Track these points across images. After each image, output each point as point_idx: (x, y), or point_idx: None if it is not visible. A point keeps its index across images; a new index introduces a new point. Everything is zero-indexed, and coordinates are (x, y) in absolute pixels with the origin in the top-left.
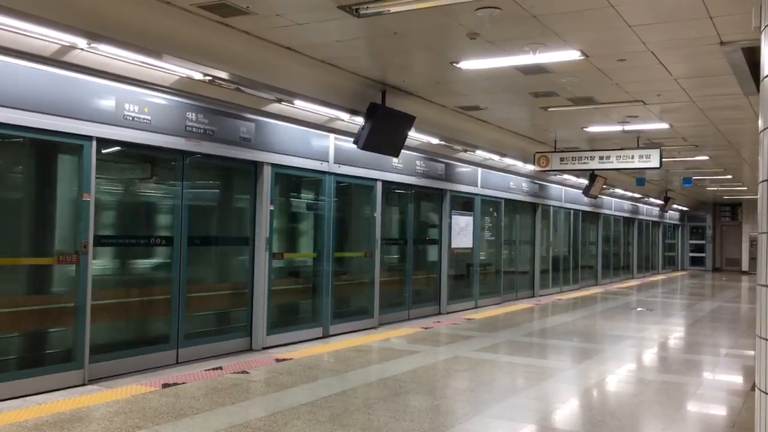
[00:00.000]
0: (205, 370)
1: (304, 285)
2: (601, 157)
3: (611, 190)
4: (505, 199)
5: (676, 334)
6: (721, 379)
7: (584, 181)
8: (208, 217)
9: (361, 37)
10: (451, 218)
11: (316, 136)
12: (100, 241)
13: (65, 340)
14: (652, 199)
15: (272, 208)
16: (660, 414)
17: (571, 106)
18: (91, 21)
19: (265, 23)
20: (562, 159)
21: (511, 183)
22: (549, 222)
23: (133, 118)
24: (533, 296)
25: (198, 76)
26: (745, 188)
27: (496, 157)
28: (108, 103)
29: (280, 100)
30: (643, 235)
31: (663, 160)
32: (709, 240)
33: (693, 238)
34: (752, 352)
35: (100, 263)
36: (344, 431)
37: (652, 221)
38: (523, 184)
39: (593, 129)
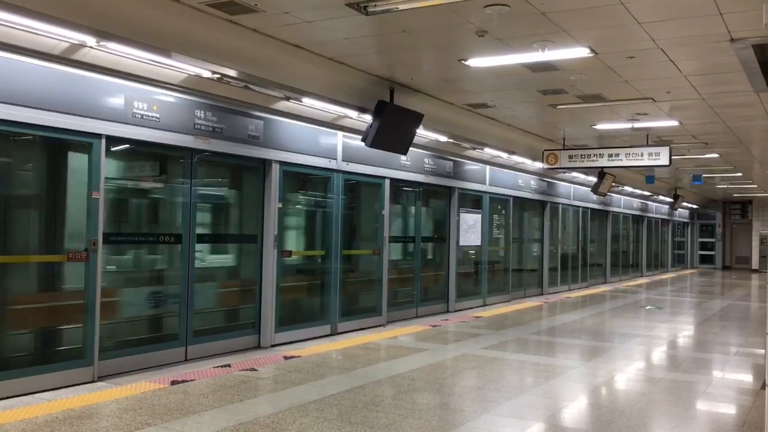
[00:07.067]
0: (214, 368)
1: (312, 282)
2: (610, 155)
3: (620, 188)
4: (514, 197)
5: (686, 332)
6: (730, 377)
7: (593, 179)
8: (216, 215)
9: (370, 34)
10: (459, 216)
11: (324, 134)
12: (109, 238)
13: (75, 338)
14: (661, 197)
15: (280, 205)
16: (669, 413)
17: (580, 104)
18: (101, 19)
19: (274, 21)
20: (570, 157)
21: (520, 181)
22: (558, 220)
23: (142, 116)
24: (542, 294)
25: (206, 74)
26: (756, 186)
27: (504, 155)
28: (117, 101)
29: (288, 98)
30: (653, 232)
31: (672, 157)
32: (718, 238)
33: (702, 236)
34: (762, 351)
35: (109, 260)
36: (352, 429)
37: (662, 219)
38: (532, 182)
39: (602, 126)
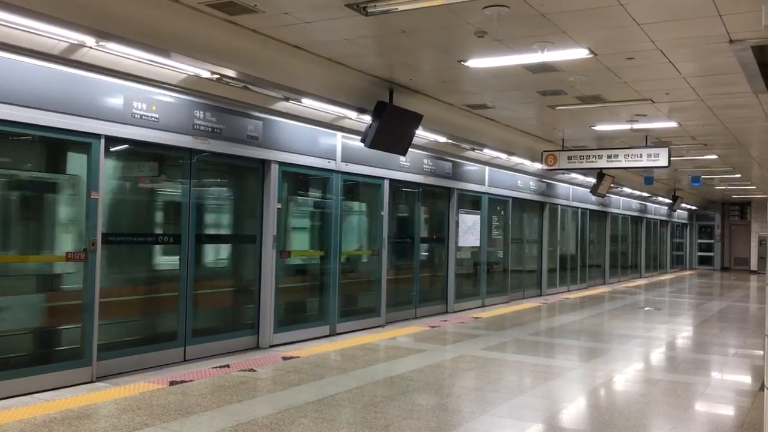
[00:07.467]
0: (213, 368)
1: (311, 283)
2: (609, 156)
3: (619, 189)
4: (513, 198)
5: (684, 333)
6: (729, 378)
7: (592, 180)
8: (215, 215)
9: (369, 35)
10: (458, 217)
11: (323, 135)
12: (108, 239)
13: (73, 338)
14: (660, 198)
15: (279, 206)
16: (668, 414)
17: (579, 105)
18: (100, 19)
19: (273, 21)
20: (569, 158)
21: (519, 182)
22: (556, 221)
23: (141, 116)
24: (540, 295)
25: (206, 74)
26: (754, 187)
27: (503, 156)
28: (116, 101)
29: (287, 99)
30: (651, 234)
31: (671, 158)
32: (717, 239)
33: (701, 237)
34: (761, 352)
35: (108, 261)
36: (351, 429)
37: (661, 220)
38: (531, 183)
39: (601, 128)
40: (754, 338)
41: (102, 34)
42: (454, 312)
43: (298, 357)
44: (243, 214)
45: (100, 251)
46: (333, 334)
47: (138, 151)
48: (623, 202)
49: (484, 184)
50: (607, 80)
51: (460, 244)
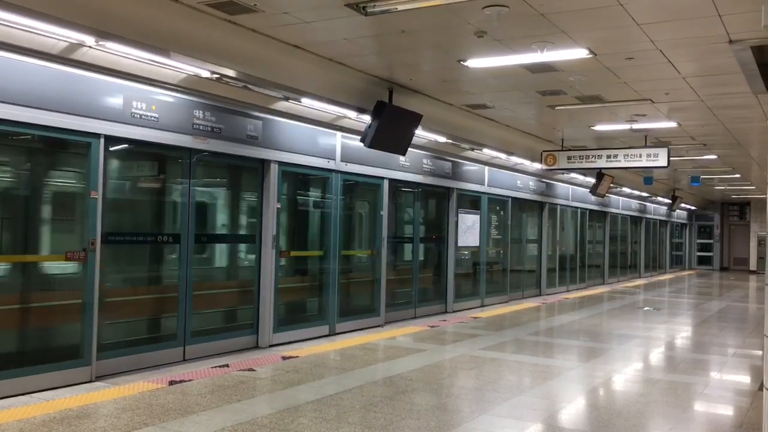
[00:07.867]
0: (212, 368)
1: (310, 283)
2: (608, 156)
3: (618, 189)
4: (512, 198)
5: (684, 333)
6: (728, 378)
7: (591, 180)
8: (215, 215)
9: (369, 35)
10: (458, 216)
11: (323, 134)
12: (107, 238)
13: (72, 337)
14: (659, 198)
15: (279, 205)
16: (667, 414)
17: (579, 105)
18: (100, 19)
19: (273, 21)
20: (569, 158)
21: (519, 181)
22: (556, 221)
23: (140, 115)
24: (540, 295)
25: (205, 74)
26: (754, 187)
27: (503, 156)
28: (116, 101)
29: (287, 98)
30: (651, 234)
31: (671, 159)
32: (716, 239)
33: (701, 238)
34: (760, 352)
35: (108, 260)
36: (350, 429)
37: (660, 220)
38: (530, 183)
39: (601, 128)
40: (753, 338)
41: (102, 34)
42: (454, 312)
43: (297, 357)
44: (242, 213)
45: (100, 251)
46: (332, 333)
47: (137, 151)
48: (623, 202)
49: (483, 184)
50: (606, 80)
51: (459, 244)
